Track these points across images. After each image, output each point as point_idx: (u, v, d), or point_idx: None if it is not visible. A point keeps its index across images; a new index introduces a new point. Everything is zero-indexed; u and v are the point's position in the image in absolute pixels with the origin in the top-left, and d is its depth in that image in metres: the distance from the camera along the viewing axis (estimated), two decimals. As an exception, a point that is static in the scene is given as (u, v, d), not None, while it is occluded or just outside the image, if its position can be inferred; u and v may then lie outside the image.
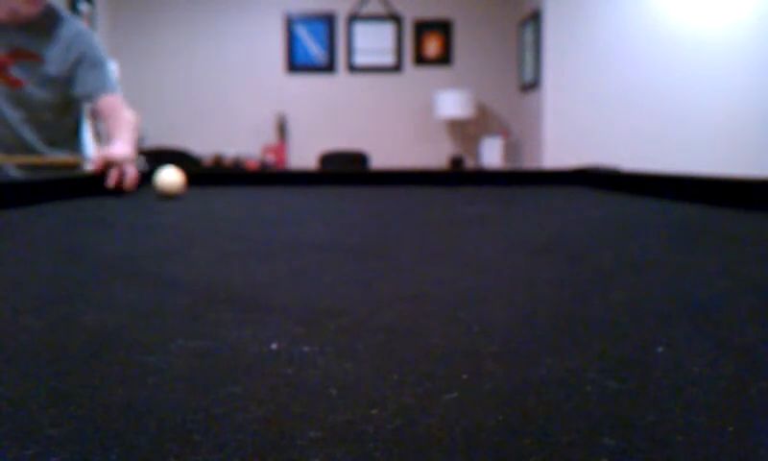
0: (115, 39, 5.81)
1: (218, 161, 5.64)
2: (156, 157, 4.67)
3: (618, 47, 4.93)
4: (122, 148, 1.90)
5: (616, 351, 0.43)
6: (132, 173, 1.85)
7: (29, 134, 2.08)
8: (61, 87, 2.05)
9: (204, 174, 2.55)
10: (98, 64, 2.05)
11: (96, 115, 2.09)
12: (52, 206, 1.59)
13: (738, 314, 0.54)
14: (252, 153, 5.83)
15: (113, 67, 4.41)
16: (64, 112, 2.15)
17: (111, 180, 1.85)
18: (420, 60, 6.01)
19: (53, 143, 2.15)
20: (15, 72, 1.99)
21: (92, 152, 2.36)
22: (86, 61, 2.02)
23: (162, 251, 0.94)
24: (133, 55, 5.80)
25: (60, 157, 2.14)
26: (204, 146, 5.73)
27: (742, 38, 4.79)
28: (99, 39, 2.15)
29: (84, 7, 5.08)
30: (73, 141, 2.24)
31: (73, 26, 2.05)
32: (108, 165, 1.86)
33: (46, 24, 1.99)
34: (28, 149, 2.09)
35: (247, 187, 2.34)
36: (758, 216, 1.28)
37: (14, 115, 2.04)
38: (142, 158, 1.83)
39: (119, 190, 1.87)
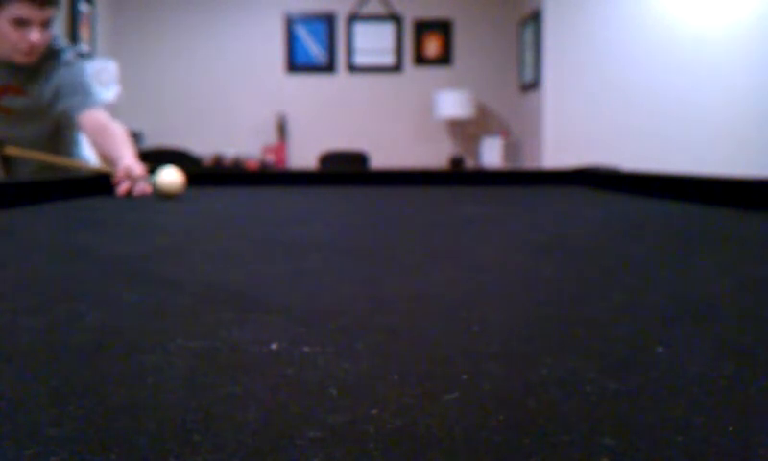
0: (115, 39, 5.81)
1: (218, 161, 5.64)
2: (155, 157, 4.67)
3: (618, 47, 4.93)
4: (139, 165, 1.91)
5: (616, 351, 0.43)
6: (143, 188, 1.86)
7: (39, 150, 2.11)
8: (48, 114, 2.07)
9: (205, 174, 2.55)
10: (76, 90, 2.03)
11: (82, 131, 2.08)
12: (52, 206, 1.59)
13: (738, 314, 0.54)
14: (251, 153, 5.83)
15: (110, 65, 4.41)
16: (57, 134, 2.18)
17: (122, 190, 1.85)
18: (420, 60, 6.00)
19: (60, 151, 2.18)
20: (5, 102, 2.02)
21: (91, 149, 2.36)
22: (64, 91, 2.01)
23: (162, 251, 0.94)
24: (133, 55, 5.80)
25: (76, 161, 2.15)
26: (204, 146, 5.73)
27: (742, 38, 4.79)
28: (79, 62, 2.13)
29: (83, 7, 5.08)
30: (75, 148, 2.26)
31: (62, 60, 2.03)
32: (125, 177, 1.86)
33: (37, 64, 2.00)
34: (36, 162, 2.12)
35: (247, 187, 2.34)
36: (758, 216, 1.28)
37: (12, 137, 2.06)
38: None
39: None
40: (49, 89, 2.01)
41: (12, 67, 1.98)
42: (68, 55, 2.06)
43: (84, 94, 2.03)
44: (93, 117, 2.01)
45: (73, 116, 2.01)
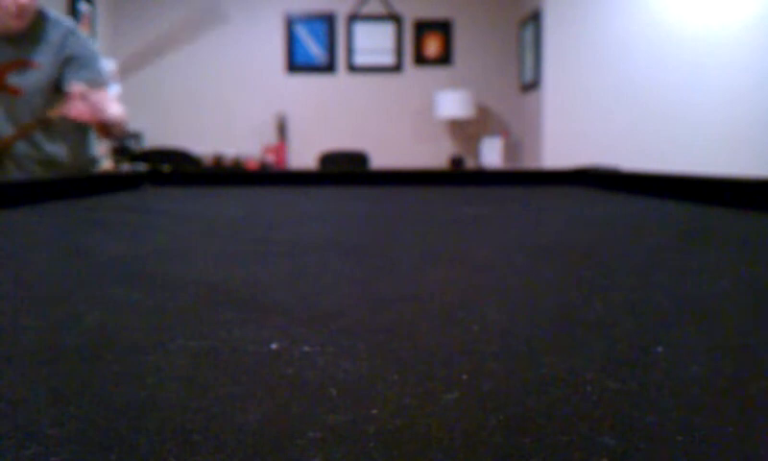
0: (115, 39, 5.81)
1: (218, 162, 5.64)
2: (156, 157, 4.67)
3: (618, 47, 4.93)
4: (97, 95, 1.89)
5: (616, 350, 0.43)
6: (94, 104, 1.83)
7: (37, 134, 2.09)
8: (56, 88, 2.06)
9: (205, 174, 2.55)
10: (88, 63, 2.04)
11: None
12: (52, 205, 1.59)
13: (738, 314, 0.54)
14: (252, 153, 5.82)
15: (110, 65, 4.41)
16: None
17: (75, 110, 1.84)
18: (421, 59, 6.00)
19: (60, 140, 2.14)
20: (13, 81, 2.00)
21: (99, 151, 2.36)
22: (75, 61, 2.02)
23: (162, 251, 0.94)
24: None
25: (53, 112, 2.06)
26: (205, 146, 5.73)
27: (742, 38, 4.79)
28: (86, 37, 2.14)
29: (83, 7, 5.08)
30: (81, 137, 2.21)
31: (61, 27, 2.04)
32: (79, 97, 1.85)
33: (36, 31, 2.00)
34: (35, 147, 2.10)
35: (247, 187, 2.34)
36: (758, 216, 1.28)
37: (19, 120, 2.05)
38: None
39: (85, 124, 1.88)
40: (59, 59, 2.00)
41: (14, 41, 1.97)
42: (66, 23, 2.06)
43: (92, 74, 2.04)
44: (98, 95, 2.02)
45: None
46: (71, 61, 2.02)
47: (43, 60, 2.01)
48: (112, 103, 2.06)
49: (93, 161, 2.30)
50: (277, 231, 1.17)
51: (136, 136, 5.68)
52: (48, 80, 2.03)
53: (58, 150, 2.15)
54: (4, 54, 1.99)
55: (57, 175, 2.01)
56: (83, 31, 2.13)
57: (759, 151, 4.68)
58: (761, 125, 4.74)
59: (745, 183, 1.45)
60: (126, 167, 4.63)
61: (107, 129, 2.06)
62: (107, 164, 4.87)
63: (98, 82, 2.04)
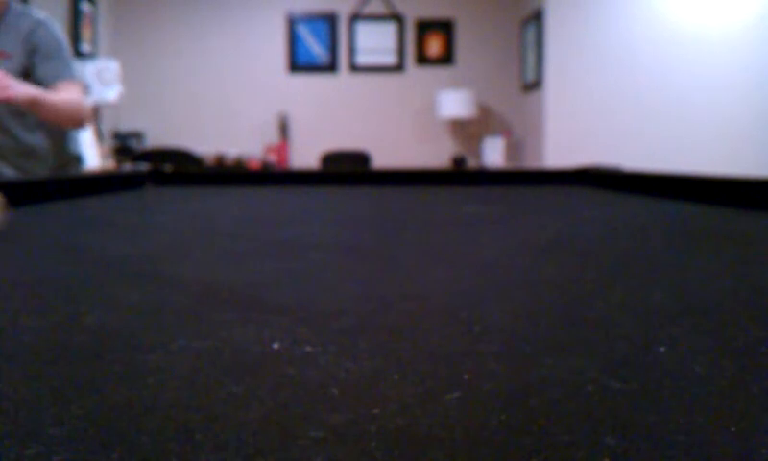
0: (117, 39, 5.82)
1: (220, 161, 5.64)
2: (158, 157, 4.67)
3: (620, 47, 4.92)
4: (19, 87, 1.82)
5: (618, 350, 0.43)
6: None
7: (12, 123, 2.05)
8: (27, 78, 2.02)
9: (206, 174, 2.55)
10: (54, 54, 2.01)
11: None
12: (52, 205, 1.59)
13: (740, 314, 0.54)
14: (254, 152, 5.83)
15: (114, 66, 4.41)
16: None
17: None
18: (422, 59, 6.00)
19: (39, 131, 2.11)
20: None
21: (92, 149, 2.33)
22: (42, 53, 1.99)
23: (164, 250, 0.94)
24: (135, 54, 5.81)
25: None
26: (207, 146, 5.73)
27: (744, 38, 4.78)
28: (58, 28, 2.10)
29: (85, 7, 5.08)
30: (61, 130, 2.16)
31: (30, 18, 2.02)
32: None
33: (5, 20, 1.98)
34: (12, 137, 2.07)
35: (249, 187, 2.34)
36: (759, 216, 1.28)
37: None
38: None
39: None
40: (26, 49, 1.97)
41: None
42: (36, 14, 2.03)
43: (61, 66, 2.01)
44: (64, 86, 1.98)
45: (49, 86, 1.97)
46: (37, 52, 1.98)
47: (12, 50, 1.99)
48: (70, 91, 2.01)
49: (77, 159, 2.26)
50: (279, 231, 1.17)
51: (138, 136, 5.68)
52: (18, 69, 1.99)
53: (36, 140, 2.11)
54: None
55: (57, 175, 2.01)
56: (56, 23, 2.09)
57: (760, 151, 4.68)
58: (762, 125, 4.74)
59: (745, 183, 1.45)
60: (128, 167, 4.63)
61: (42, 113, 1.96)
62: (108, 164, 4.87)
63: (65, 74, 2.00)
